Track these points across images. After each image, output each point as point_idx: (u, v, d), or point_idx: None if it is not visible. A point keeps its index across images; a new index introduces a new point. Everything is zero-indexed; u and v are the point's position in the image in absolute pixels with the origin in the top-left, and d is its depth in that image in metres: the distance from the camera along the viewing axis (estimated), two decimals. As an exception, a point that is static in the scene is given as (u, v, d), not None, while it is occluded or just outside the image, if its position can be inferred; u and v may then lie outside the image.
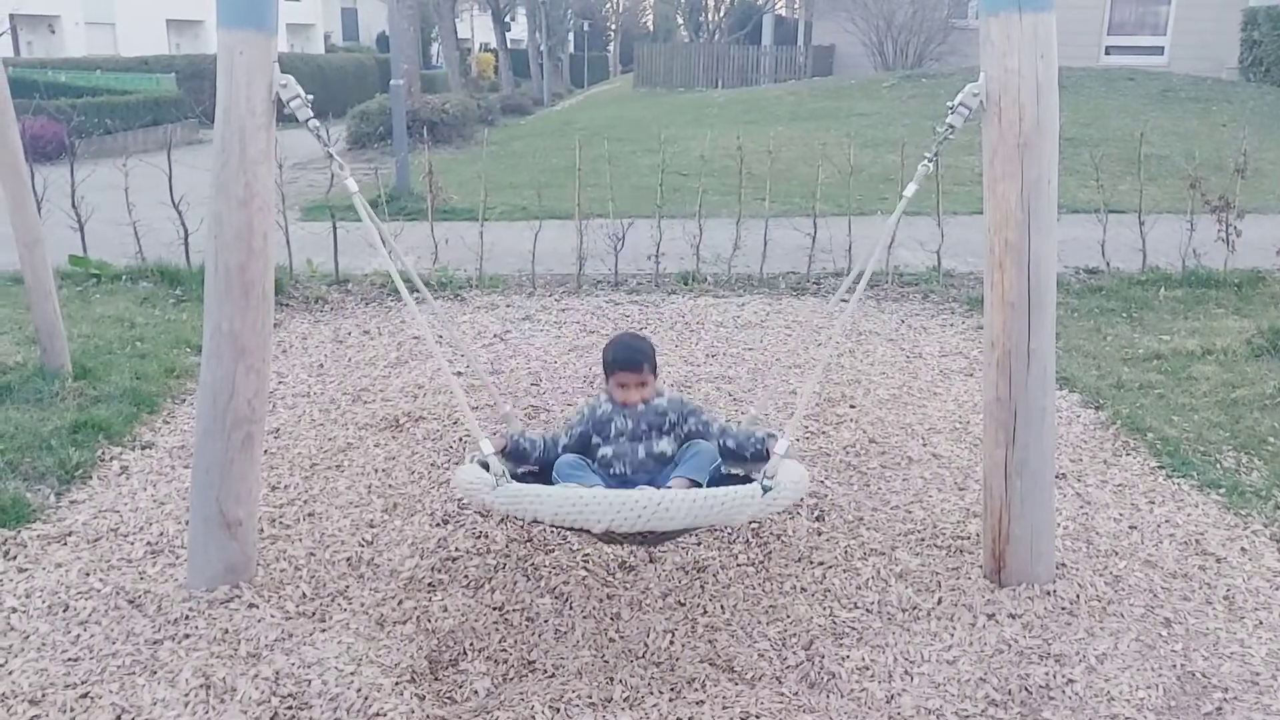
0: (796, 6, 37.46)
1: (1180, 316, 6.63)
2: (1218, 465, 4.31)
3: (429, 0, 29.55)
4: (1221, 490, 4.07)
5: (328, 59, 34.01)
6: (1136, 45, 24.56)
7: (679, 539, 3.43)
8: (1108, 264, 7.51)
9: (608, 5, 50.46)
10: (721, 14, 37.94)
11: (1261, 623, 3.16)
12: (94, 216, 7.35)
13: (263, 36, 2.93)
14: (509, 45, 35.46)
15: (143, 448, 4.46)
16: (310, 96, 3.02)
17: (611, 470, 3.24)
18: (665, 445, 3.27)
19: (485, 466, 2.91)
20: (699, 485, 3.01)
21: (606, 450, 3.27)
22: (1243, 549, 3.62)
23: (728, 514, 2.80)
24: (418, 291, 3.47)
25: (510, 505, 2.82)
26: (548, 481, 3.16)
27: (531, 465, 3.37)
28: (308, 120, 2.99)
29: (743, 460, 3.32)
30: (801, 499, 3.46)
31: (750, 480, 2.97)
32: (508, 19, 35.63)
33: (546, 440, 3.39)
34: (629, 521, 2.71)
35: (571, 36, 45.77)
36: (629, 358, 3.33)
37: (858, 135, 13.28)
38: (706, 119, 18.09)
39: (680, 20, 44.15)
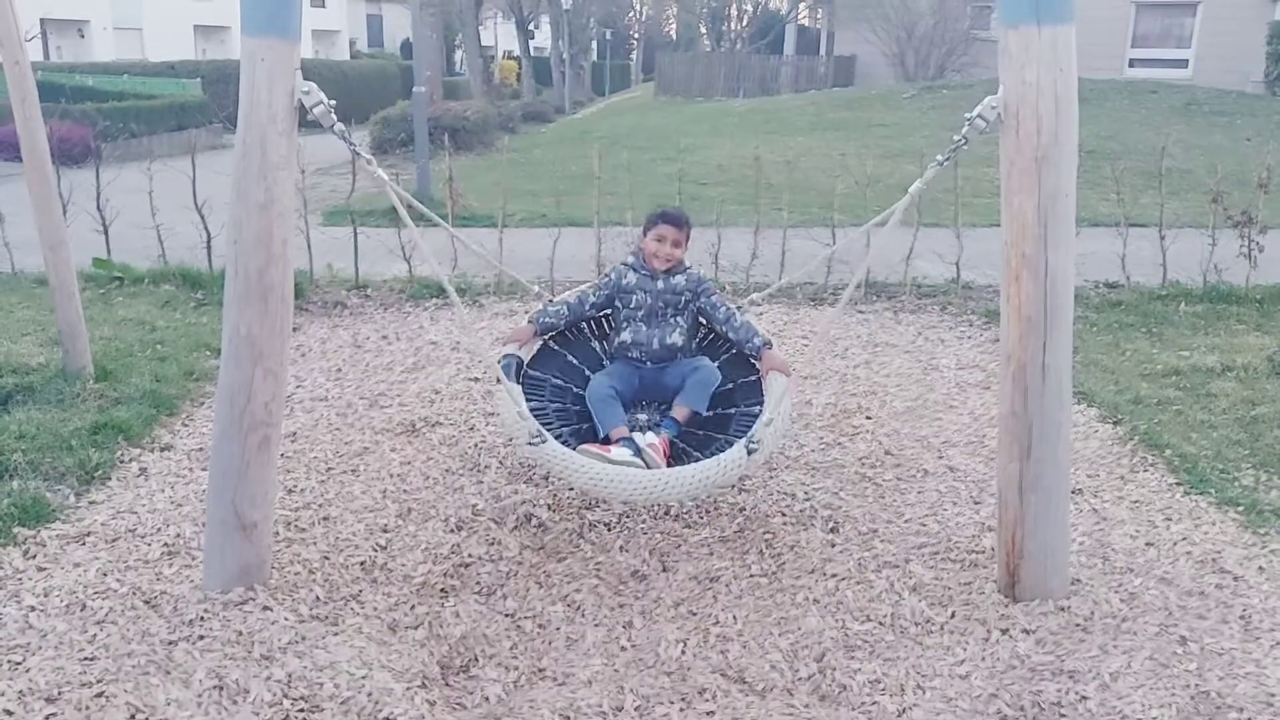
0: (819, 17, 37.44)
1: (1200, 332, 6.58)
2: (1236, 483, 4.28)
3: (453, 8, 29.73)
4: (1240, 508, 4.03)
5: (352, 65, 34.26)
6: (1160, 58, 24.44)
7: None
8: (1128, 278, 7.47)
9: (631, 14, 50.59)
10: (744, 24, 37.95)
11: (1278, 643, 3.13)
12: (118, 219, 7.43)
13: (285, 43, 2.96)
14: (532, 53, 35.61)
15: (161, 449, 4.50)
16: (333, 102, 3.05)
17: (629, 355, 3.92)
18: (677, 336, 3.92)
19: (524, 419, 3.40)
20: (697, 415, 3.75)
21: (625, 336, 3.93)
22: (1260, 568, 3.58)
23: (723, 477, 3.33)
24: (441, 295, 3.77)
25: (543, 462, 3.39)
26: (579, 345, 4.17)
27: (562, 328, 4.16)
28: (333, 126, 3.02)
29: (739, 347, 4.03)
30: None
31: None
32: (531, 27, 35.78)
33: (571, 303, 4.10)
34: (641, 496, 3.27)
35: (594, 45, 45.89)
36: (675, 214, 4.01)
37: (877, 146, 13.26)
38: (726, 128, 18.11)
39: (703, 29, 44.18)
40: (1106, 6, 22.65)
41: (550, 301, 4.17)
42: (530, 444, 3.28)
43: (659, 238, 3.94)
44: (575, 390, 4.00)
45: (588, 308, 4.07)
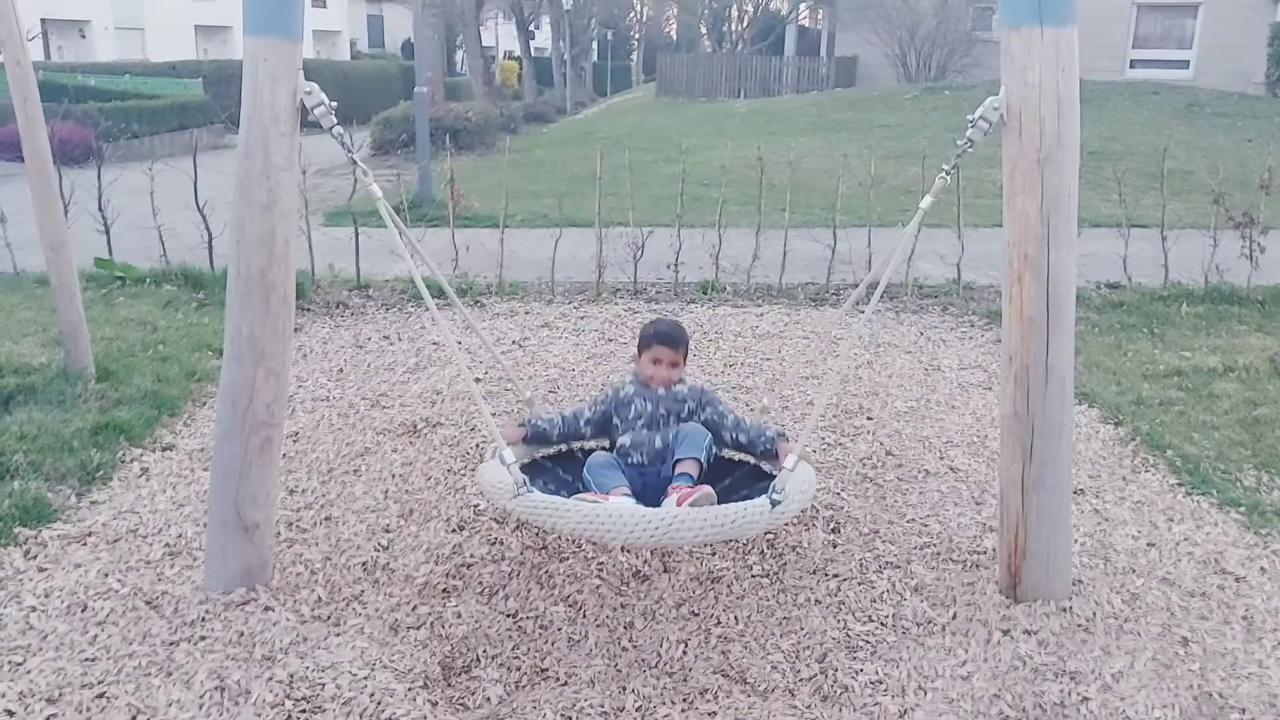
0: (820, 18, 37.43)
1: (1202, 333, 6.58)
2: (1238, 484, 4.27)
3: (454, 8, 29.73)
4: (1242, 509, 4.03)
5: (353, 66, 34.27)
6: (1162, 59, 24.44)
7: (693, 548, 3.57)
8: (1129, 279, 7.46)
9: (632, 15, 50.58)
10: (744, 25, 37.94)
11: (1281, 644, 3.13)
12: (120, 220, 7.43)
13: (287, 44, 2.96)
14: (533, 53, 35.60)
15: (163, 450, 4.50)
16: (334, 104, 3.05)
17: (629, 460, 3.41)
18: (673, 435, 3.40)
19: (507, 468, 2.97)
20: (702, 465, 3.25)
21: (625, 439, 3.46)
22: (1262, 569, 3.58)
23: (739, 529, 2.87)
24: (441, 296, 3.53)
25: (529, 514, 2.93)
26: (572, 462, 3.54)
27: (555, 445, 3.61)
28: (332, 128, 3.02)
29: (752, 453, 3.53)
30: (814, 508, 3.62)
31: (756, 467, 3.37)
32: (532, 27, 35.80)
33: (566, 416, 3.63)
34: (642, 539, 2.81)
35: (595, 45, 45.89)
36: (670, 333, 3.56)
37: (879, 147, 13.26)
38: (728, 129, 18.10)
39: (704, 30, 44.19)
40: (1107, 8, 22.65)
41: (539, 418, 3.63)
42: (516, 496, 2.89)
43: (654, 360, 3.51)
44: (564, 494, 3.29)
45: (582, 424, 3.57)
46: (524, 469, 3.11)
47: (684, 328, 3.70)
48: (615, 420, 3.53)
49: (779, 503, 2.88)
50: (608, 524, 2.80)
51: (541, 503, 2.89)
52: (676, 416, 3.48)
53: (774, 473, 3.27)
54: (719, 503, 2.95)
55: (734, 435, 3.51)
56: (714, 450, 3.40)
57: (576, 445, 3.67)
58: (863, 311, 3.64)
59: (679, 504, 2.93)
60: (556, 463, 3.62)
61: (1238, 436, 4.76)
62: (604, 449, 3.54)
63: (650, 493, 3.22)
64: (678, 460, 3.25)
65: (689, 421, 3.45)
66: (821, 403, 3.25)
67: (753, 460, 3.54)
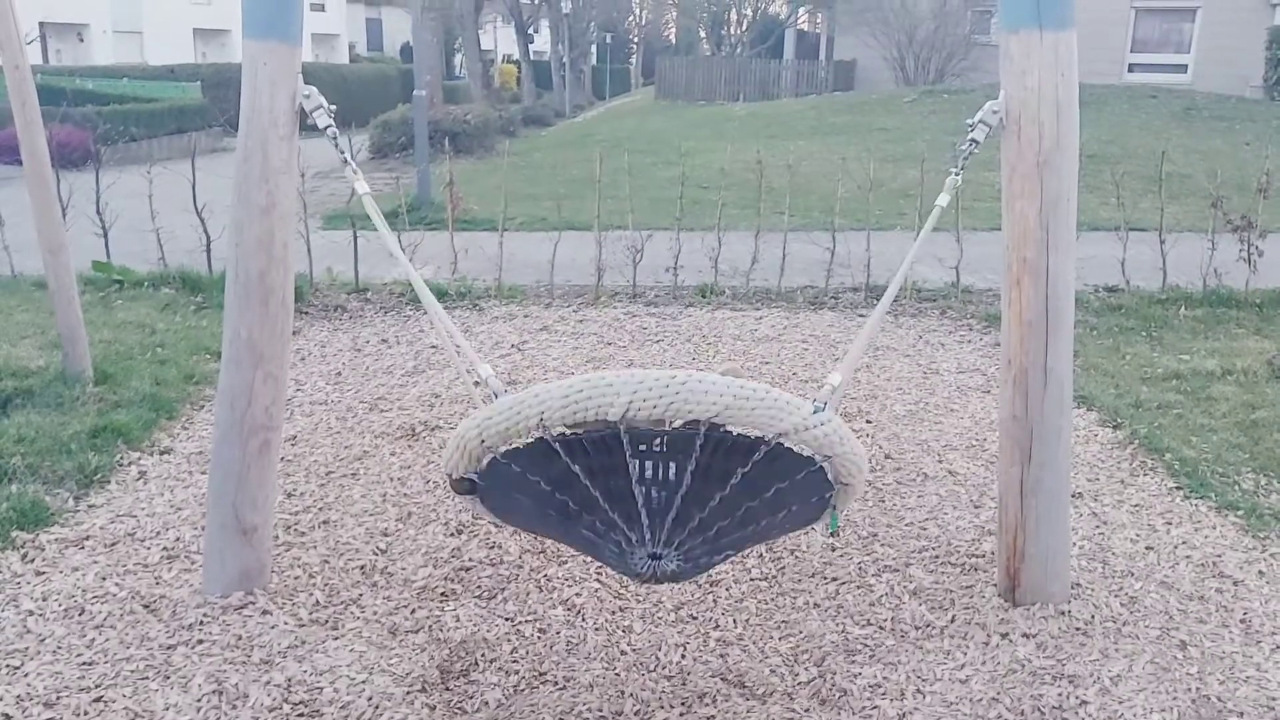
0: (819, 21, 37.48)
1: (1200, 336, 6.58)
2: (1236, 487, 4.28)
3: (453, 12, 29.75)
4: (1240, 512, 4.03)
5: (351, 69, 34.28)
6: (1160, 63, 24.50)
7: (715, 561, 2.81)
8: (1128, 282, 7.47)
9: (631, 18, 50.64)
10: (743, 28, 38.01)
11: (1278, 647, 3.13)
12: (118, 223, 7.43)
13: (286, 47, 2.96)
14: (532, 57, 35.63)
15: (161, 453, 4.50)
16: (333, 107, 3.05)
17: None
18: None
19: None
20: None
21: None
22: (1260, 572, 3.58)
23: (766, 411, 2.28)
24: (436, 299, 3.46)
25: (511, 418, 2.32)
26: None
27: None
28: (328, 129, 3.02)
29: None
30: (852, 473, 2.55)
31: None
32: (531, 31, 35.83)
33: None
34: (649, 399, 2.22)
35: (594, 49, 45.94)
36: None
37: (878, 150, 13.27)
38: (727, 132, 18.12)
39: (703, 34, 44.24)
40: (1106, 11, 22.69)
41: None
42: (498, 400, 2.40)
43: None
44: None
45: None
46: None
47: None
48: None
49: (820, 410, 2.36)
50: (606, 386, 2.24)
51: (523, 396, 2.33)
52: None
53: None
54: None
55: None
56: None
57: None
58: (864, 317, 3.59)
59: None
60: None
61: (1236, 440, 4.76)
62: None
63: None
64: None
65: None
66: (861, 340, 2.91)
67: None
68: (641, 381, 2.23)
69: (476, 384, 2.68)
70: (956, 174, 3.12)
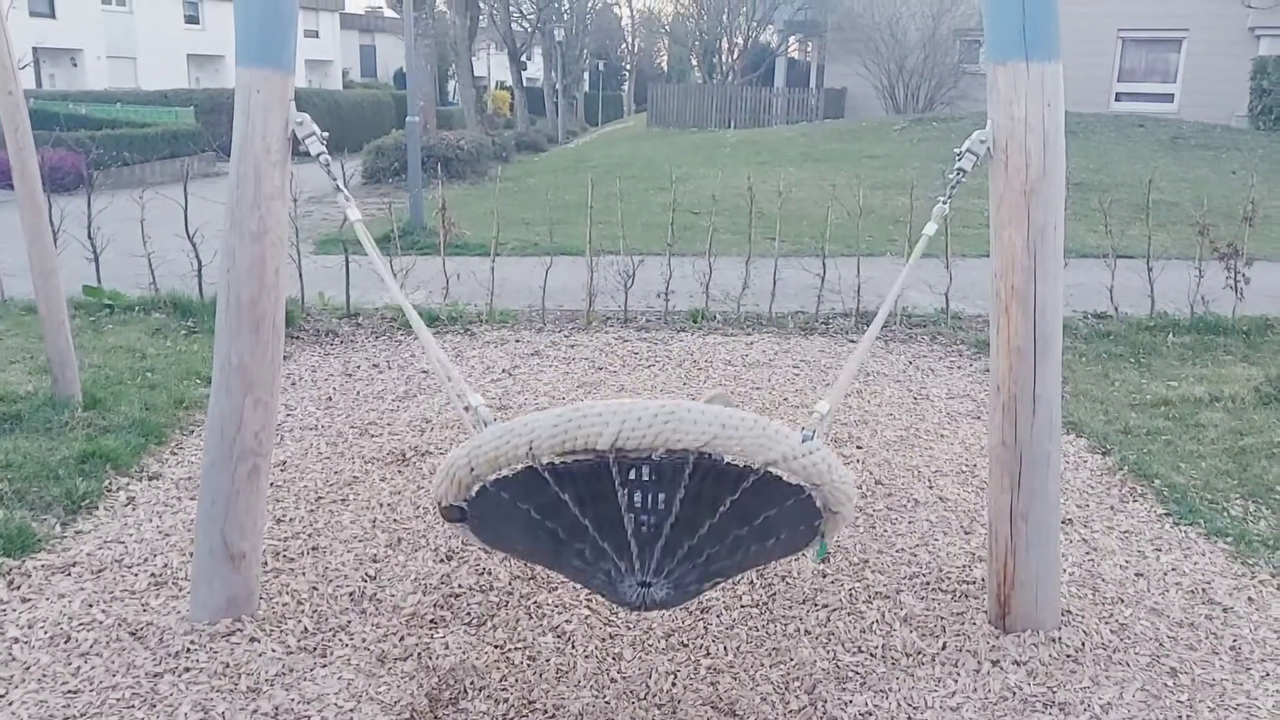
0: (809, 50, 37.80)
1: (1188, 363, 6.62)
2: (1225, 513, 4.29)
3: (446, 38, 29.94)
4: (1229, 539, 4.04)
5: (345, 95, 34.41)
6: (1146, 92, 24.74)
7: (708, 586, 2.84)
8: (1116, 309, 7.52)
9: (623, 46, 51.02)
10: (735, 56, 38.30)
11: (1268, 674, 3.13)
12: (109, 247, 7.43)
13: (279, 75, 2.98)
14: (525, 83, 35.84)
15: (150, 479, 4.48)
16: (325, 134, 3.07)
17: None
18: None
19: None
20: None
21: None
22: (1250, 599, 3.59)
23: (754, 438, 2.28)
24: (430, 324, 3.46)
25: (500, 447, 2.29)
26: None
27: None
28: (320, 156, 3.03)
29: None
30: (841, 501, 2.62)
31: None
32: (524, 58, 36.05)
33: None
34: (638, 429, 2.21)
35: (587, 75, 46.26)
36: None
37: (868, 177, 13.36)
38: (718, 159, 18.23)
39: (694, 62, 44.59)
40: (1093, 41, 22.94)
41: None
42: (486, 430, 2.36)
43: None
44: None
45: None
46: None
47: None
48: None
49: (809, 439, 2.36)
50: (594, 417, 2.22)
51: (511, 425, 2.30)
52: None
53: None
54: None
55: None
56: None
57: None
58: (854, 342, 3.60)
59: None
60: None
61: (1224, 466, 4.78)
62: None
63: None
64: None
65: None
66: (851, 367, 2.92)
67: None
68: (630, 411, 2.22)
69: (466, 409, 2.67)
70: (944, 203, 3.15)
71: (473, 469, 2.36)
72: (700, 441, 2.24)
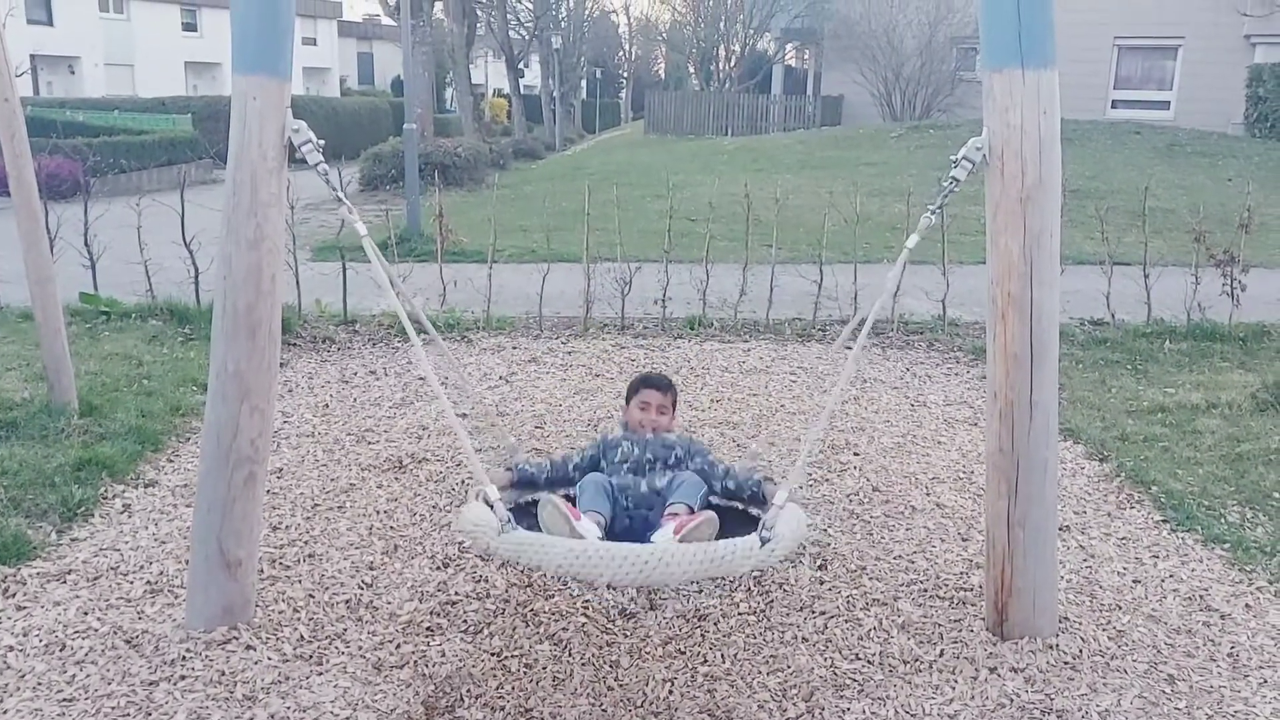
0: (806, 57, 37.89)
1: (1185, 369, 6.63)
2: (1222, 520, 4.29)
3: (444, 46, 29.99)
4: (1226, 545, 4.04)
5: (342, 102, 34.44)
6: (1143, 99, 24.83)
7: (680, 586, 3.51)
8: (1113, 316, 7.52)
9: (620, 53, 51.10)
10: (732, 64, 38.38)
11: (1266, 681, 3.12)
12: (106, 254, 7.42)
13: (276, 82, 2.98)
14: (522, 91, 35.89)
15: (146, 486, 4.47)
16: (322, 141, 3.07)
17: (616, 503, 3.25)
18: (666, 481, 3.28)
19: (490, 506, 2.86)
20: (692, 510, 3.07)
21: (611, 482, 3.32)
22: (1247, 605, 3.59)
23: (728, 567, 2.76)
24: (425, 333, 3.46)
25: (514, 553, 2.78)
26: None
27: (541, 490, 3.42)
28: (318, 165, 3.03)
29: (740, 500, 3.43)
30: (802, 546, 3.49)
31: (744, 511, 3.26)
32: (521, 65, 36.11)
33: (555, 461, 3.61)
34: (629, 577, 2.69)
35: (584, 83, 46.33)
36: (659, 379, 3.74)
37: (865, 184, 13.38)
38: (715, 166, 18.25)
39: (692, 69, 44.68)
40: (1089, 49, 23.02)
41: (528, 463, 3.61)
42: (501, 534, 2.80)
43: (643, 405, 3.63)
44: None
45: (571, 469, 3.51)
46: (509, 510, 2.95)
47: (673, 382, 3.79)
48: (602, 464, 3.45)
49: (769, 540, 2.76)
50: (594, 561, 2.67)
51: (526, 541, 2.76)
52: (664, 463, 3.38)
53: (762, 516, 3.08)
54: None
55: (723, 484, 3.40)
56: (707, 501, 3.30)
57: (562, 491, 3.50)
58: (849, 349, 3.60)
59: (676, 531, 2.84)
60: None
61: (1221, 473, 4.78)
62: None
63: (633, 537, 3.04)
64: (671, 503, 3.15)
65: (681, 470, 3.36)
66: (810, 440, 3.23)
67: (741, 505, 3.41)
68: (622, 562, 2.67)
69: (463, 416, 2.72)
70: (932, 213, 3.16)
71: (490, 553, 3.00)
72: (682, 581, 2.89)
